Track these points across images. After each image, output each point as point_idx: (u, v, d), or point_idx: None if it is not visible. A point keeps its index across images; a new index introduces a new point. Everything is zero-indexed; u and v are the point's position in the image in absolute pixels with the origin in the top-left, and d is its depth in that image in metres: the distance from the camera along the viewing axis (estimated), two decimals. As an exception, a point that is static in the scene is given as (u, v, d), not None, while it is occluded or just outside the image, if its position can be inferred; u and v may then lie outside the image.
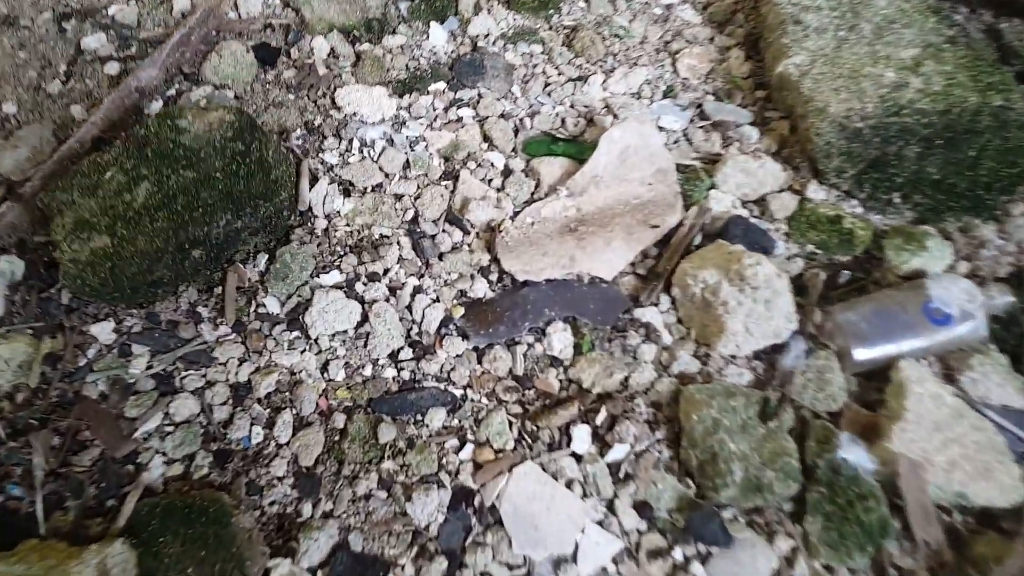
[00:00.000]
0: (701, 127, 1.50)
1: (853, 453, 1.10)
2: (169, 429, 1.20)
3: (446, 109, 1.54)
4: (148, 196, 1.27)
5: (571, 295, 1.30)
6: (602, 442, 1.15)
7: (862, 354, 1.19)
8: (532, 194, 1.42)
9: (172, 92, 1.54)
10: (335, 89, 1.54)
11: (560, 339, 1.27)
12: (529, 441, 1.17)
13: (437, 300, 1.28)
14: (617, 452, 1.14)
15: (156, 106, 1.52)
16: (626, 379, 1.20)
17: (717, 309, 1.21)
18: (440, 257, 1.33)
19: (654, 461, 1.15)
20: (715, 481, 1.09)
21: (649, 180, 1.41)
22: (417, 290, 1.29)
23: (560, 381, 1.23)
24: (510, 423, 1.19)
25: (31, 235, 1.37)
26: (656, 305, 1.30)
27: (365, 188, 1.43)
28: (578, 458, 1.14)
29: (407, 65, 1.61)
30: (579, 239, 1.34)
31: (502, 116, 1.52)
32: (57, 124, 1.50)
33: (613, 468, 1.13)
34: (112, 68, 1.57)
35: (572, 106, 1.54)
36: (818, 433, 1.15)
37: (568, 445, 1.15)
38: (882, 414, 1.14)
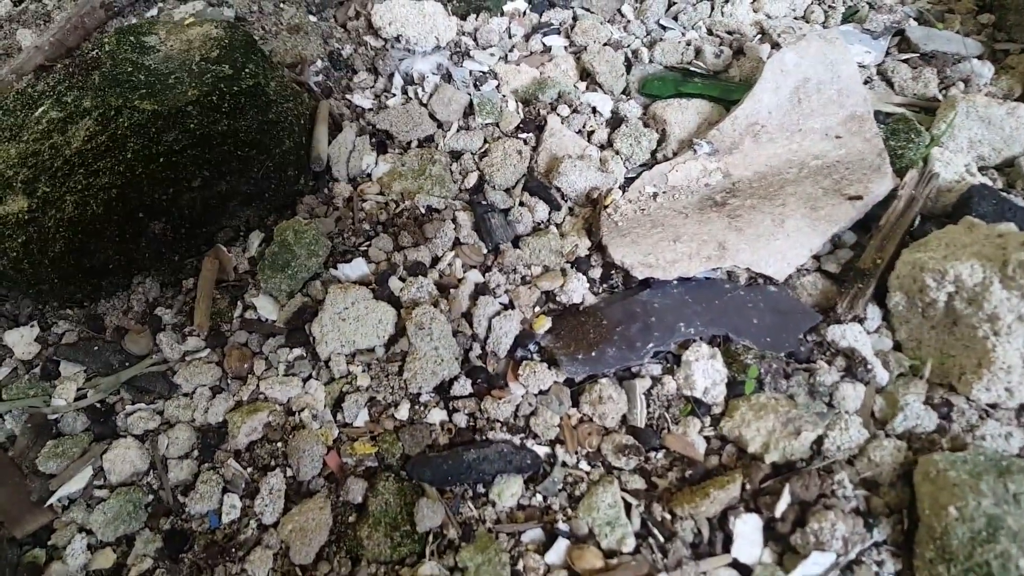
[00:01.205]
0: (905, 60, 1.02)
1: None
2: (101, 494, 0.86)
3: (527, 36, 1.10)
4: (87, 139, 0.86)
5: (721, 302, 0.84)
6: (784, 545, 0.77)
7: None
8: (654, 152, 0.97)
9: (154, 12, 1.13)
10: (372, 7, 1.10)
11: (706, 371, 0.81)
12: (660, 539, 0.74)
13: (511, 306, 0.85)
14: (812, 565, 0.74)
15: (130, 31, 1.11)
16: (819, 441, 0.74)
17: (977, 327, 0.75)
18: (516, 242, 0.89)
19: (874, 583, 0.70)
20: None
21: (837, 131, 0.94)
22: (481, 290, 0.89)
23: (708, 440, 0.77)
24: (627, 505, 0.80)
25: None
26: (861, 321, 0.83)
27: (408, 142, 1.00)
28: (745, 572, 0.75)
29: (473, -21, 1.16)
30: (731, 217, 0.88)
31: (608, 45, 1.05)
32: (-1, 55, 1.10)
33: (808, 595, 0.70)
34: (78, -16, 1.16)
35: (711, 32, 1.08)
36: None
37: (727, 549, 0.76)
38: None
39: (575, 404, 0.83)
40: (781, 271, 0.87)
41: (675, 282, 0.87)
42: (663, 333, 0.85)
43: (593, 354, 0.86)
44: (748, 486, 0.79)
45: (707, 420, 0.82)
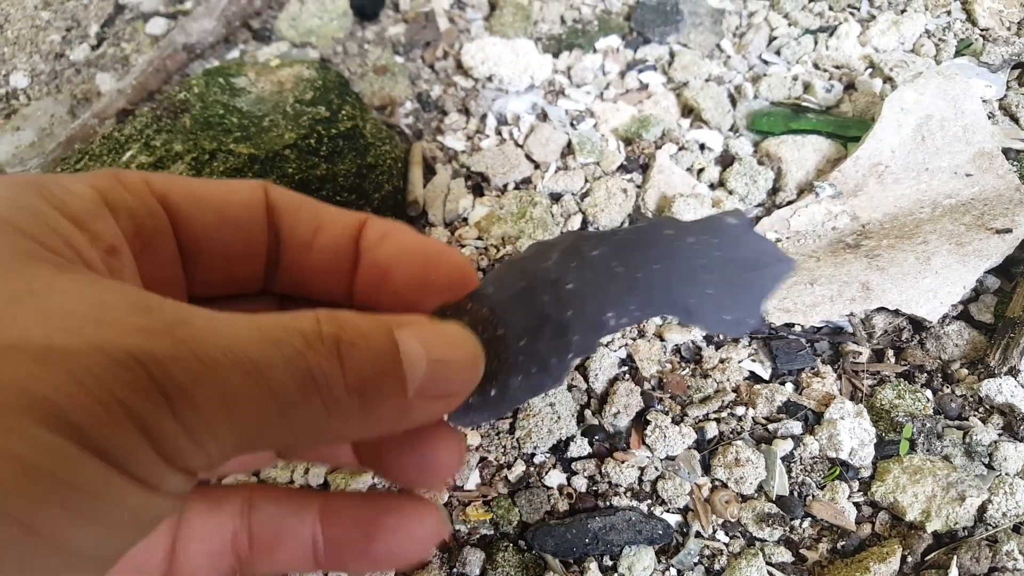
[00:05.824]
0: (1029, 93, 0.96)
1: None
2: None
3: (622, 73, 1.04)
4: (180, 185, 0.80)
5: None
6: (964, 634, 0.63)
7: None
8: (771, 192, 0.90)
9: (235, 54, 1.10)
10: (461, 47, 1.06)
11: (852, 430, 0.73)
12: (819, 622, 0.64)
13: (629, 360, 0.76)
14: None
15: (211, 74, 1.08)
16: (983, 507, 0.66)
17: None
18: (628, 288, 0.80)
19: None
20: None
21: (967, 169, 0.88)
22: (594, 341, 0.77)
23: (858, 506, 0.69)
24: (774, 582, 0.66)
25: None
26: (1016, 374, 0.75)
27: (505, 184, 0.94)
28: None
29: (562, 16, 1.12)
30: (870, 257, 0.82)
31: (709, 80, 1.00)
32: (77, 99, 1.08)
33: None
34: (156, 26, 1.14)
35: (816, 66, 1.02)
36: None
37: (896, 635, 0.63)
38: None
39: (706, 470, 0.75)
40: (934, 311, 0.80)
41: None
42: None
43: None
44: (909, 559, 0.71)
45: (856, 484, 0.75)
